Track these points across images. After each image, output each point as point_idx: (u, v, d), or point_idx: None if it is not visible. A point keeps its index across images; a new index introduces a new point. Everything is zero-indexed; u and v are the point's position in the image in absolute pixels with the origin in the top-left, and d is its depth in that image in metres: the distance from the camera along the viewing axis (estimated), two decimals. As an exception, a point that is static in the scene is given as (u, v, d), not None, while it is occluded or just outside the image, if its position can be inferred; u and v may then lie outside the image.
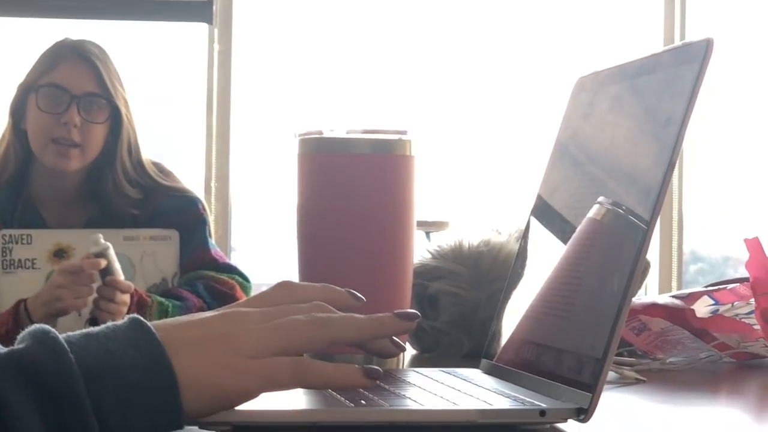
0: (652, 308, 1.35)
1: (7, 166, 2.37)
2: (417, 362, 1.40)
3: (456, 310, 1.43)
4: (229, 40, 5.01)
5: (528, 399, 0.91)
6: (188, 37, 5.11)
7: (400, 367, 1.26)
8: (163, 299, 2.27)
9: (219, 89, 5.01)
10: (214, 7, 4.95)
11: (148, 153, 2.42)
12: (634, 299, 1.25)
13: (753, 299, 1.37)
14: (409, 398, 0.92)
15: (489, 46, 5.30)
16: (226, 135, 5.01)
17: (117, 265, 2.20)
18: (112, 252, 2.19)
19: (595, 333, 0.88)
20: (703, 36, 0.89)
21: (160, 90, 5.05)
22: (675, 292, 1.46)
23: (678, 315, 1.34)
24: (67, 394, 0.74)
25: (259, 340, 0.82)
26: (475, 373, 1.08)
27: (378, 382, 0.85)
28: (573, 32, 5.30)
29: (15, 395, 0.74)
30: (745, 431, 0.98)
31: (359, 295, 0.91)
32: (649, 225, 0.86)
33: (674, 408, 1.09)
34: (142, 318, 0.80)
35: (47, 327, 0.78)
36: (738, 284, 1.43)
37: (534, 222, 1.11)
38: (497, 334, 1.10)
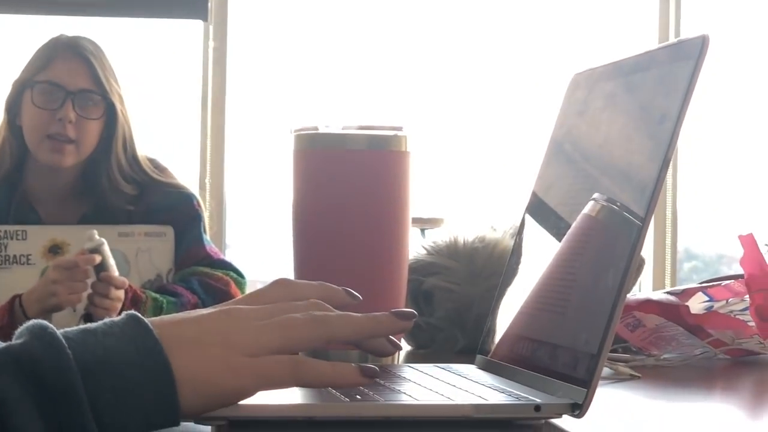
0: (647, 304, 1.35)
1: (2, 163, 2.37)
2: (412, 358, 1.40)
3: (451, 305, 1.43)
4: (224, 37, 5.01)
5: (523, 394, 0.91)
6: (183, 33, 5.11)
7: (395, 363, 1.26)
8: (157, 295, 2.27)
9: (214, 86, 5.01)
10: (209, 4, 4.95)
11: (144, 149, 2.42)
12: (628, 295, 1.25)
13: (747, 296, 1.38)
14: (404, 393, 0.92)
15: (484, 43, 5.30)
16: (221, 131, 5.00)
17: (111, 261, 2.20)
18: (106, 248, 2.19)
19: (589, 329, 0.88)
20: (698, 33, 0.89)
21: (155, 86, 5.04)
22: (669, 289, 1.46)
23: (672, 311, 1.34)
24: (64, 390, 0.74)
25: (256, 338, 0.82)
26: (470, 369, 1.08)
27: (375, 380, 0.85)
28: (568, 29, 5.30)
29: (13, 391, 0.74)
30: (739, 427, 0.99)
31: (356, 293, 0.91)
32: (644, 221, 0.86)
33: (668, 404, 1.09)
34: (139, 315, 0.80)
35: (45, 323, 0.78)
36: (732, 281, 1.43)
37: (529, 218, 1.11)
38: (492, 329, 1.10)
